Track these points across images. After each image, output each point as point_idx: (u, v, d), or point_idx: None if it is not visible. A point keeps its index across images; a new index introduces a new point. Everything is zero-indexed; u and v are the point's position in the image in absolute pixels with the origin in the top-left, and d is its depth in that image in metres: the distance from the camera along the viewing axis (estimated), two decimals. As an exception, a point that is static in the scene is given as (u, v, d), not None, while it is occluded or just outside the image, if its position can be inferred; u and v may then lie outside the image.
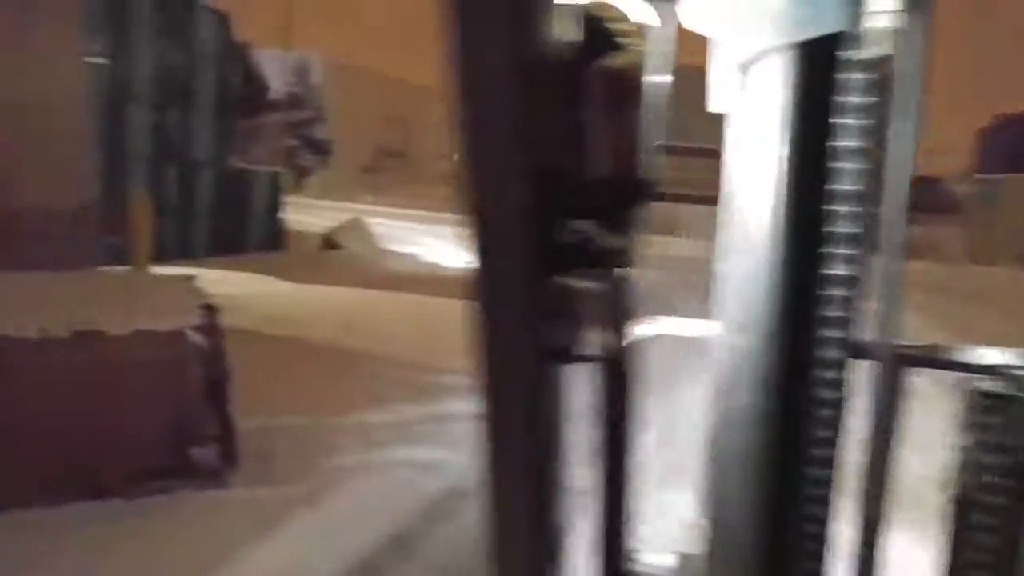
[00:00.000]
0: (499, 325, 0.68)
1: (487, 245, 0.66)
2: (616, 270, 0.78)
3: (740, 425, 0.76)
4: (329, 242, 12.57)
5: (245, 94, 31.36)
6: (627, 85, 0.76)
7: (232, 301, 7.98)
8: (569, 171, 0.72)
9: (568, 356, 0.76)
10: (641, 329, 0.82)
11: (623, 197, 0.77)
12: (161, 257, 10.72)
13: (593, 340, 0.75)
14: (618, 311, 0.79)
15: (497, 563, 0.74)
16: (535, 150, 0.64)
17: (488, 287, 0.67)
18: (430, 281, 10.34)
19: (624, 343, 0.79)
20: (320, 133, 31.83)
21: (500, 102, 0.62)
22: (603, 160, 0.74)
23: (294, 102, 31.65)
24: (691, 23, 0.79)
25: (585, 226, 0.75)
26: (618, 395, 0.80)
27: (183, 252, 10.79)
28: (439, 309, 8.62)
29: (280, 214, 12.83)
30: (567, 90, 0.72)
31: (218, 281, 8.95)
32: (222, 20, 11.85)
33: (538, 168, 0.64)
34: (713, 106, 0.79)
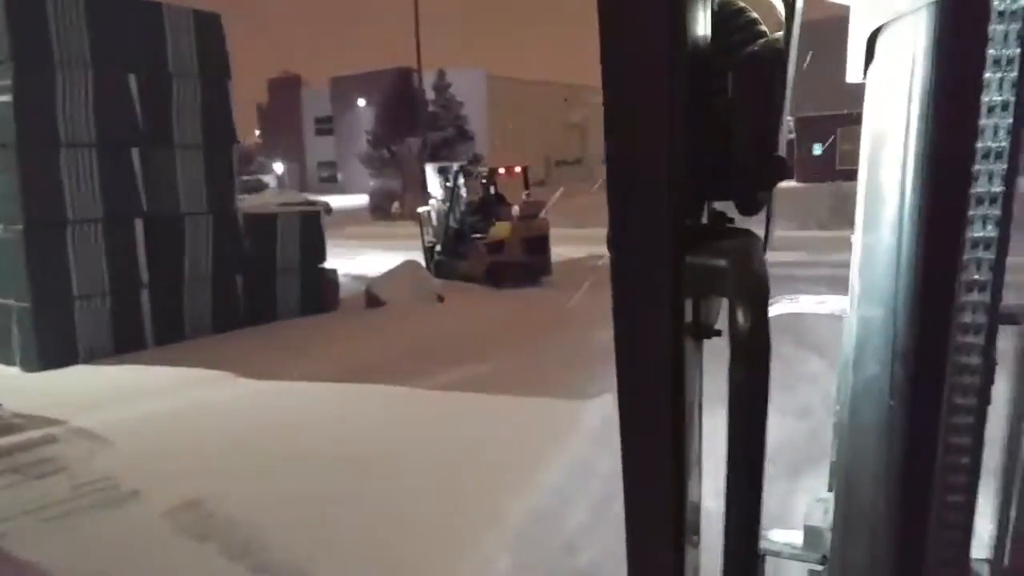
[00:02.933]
0: (638, 304, 0.68)
1: (628, 226, 0.66)
2: (753, 248, 0.73)
3: (875, 397, 0.77)
4: (371, 297, 9.18)
5: (400, 119, 29.62)
6: (766, 71, 0.74)
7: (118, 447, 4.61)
8: (710, 154, 0.72)
9: (706, 332, 0.76)
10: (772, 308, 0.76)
11: (763, 178, 0.77)
12: (129, 347, 7.93)
13: (730, 317, 0.72)
14: (756, 288, 0.71)
15: (633, 540, 0.73)
16: (680, 137, 0.64)
17: (628, 266, 0.68)
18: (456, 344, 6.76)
19: (761, 319, 0.71)
20: (463, 154, 29.09)
21: (648, 95, 0.63)
22: (745, 143, 0.74)
23: (433, 123, 29.23)
24: None
25: (723, 207, 0.77)
26: (754, 371, 0.71)
27: (174, 335, 7.94)
28: (414, 410, 4.68)
29: (323, 264, 9.68)
30: (710, 80, 0.71)
31: (150, 386, 5.59)
32: (207, 23, 8.84)
33: (682, 154, 0.65)
34: (852, 76, 0.78)
